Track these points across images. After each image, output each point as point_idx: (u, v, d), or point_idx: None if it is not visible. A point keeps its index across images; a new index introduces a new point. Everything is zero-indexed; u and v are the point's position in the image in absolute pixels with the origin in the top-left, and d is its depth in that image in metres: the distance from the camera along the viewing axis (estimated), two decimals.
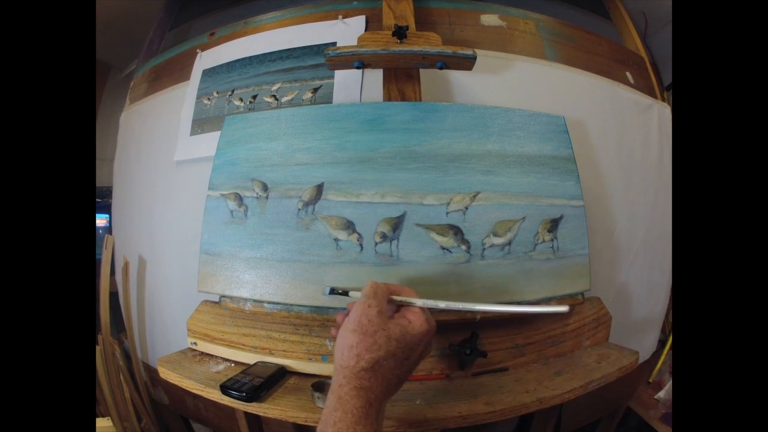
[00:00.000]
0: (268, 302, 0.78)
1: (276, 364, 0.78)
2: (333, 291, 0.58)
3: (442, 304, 0.48)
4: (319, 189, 0.78)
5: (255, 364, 0.79)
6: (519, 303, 0.62)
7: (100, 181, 1.34)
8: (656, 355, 1.19)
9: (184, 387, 0.77)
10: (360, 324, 0.44)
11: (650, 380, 1.16)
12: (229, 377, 0.73)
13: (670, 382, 1.14)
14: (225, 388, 0.70)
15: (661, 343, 1.21)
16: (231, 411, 0.88)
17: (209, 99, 1.08)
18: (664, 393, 1.12)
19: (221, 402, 0.71)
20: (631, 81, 1.13)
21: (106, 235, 1.26)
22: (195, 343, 0.87)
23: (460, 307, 0.49)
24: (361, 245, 0.76)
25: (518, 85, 0.98)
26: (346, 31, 1.00)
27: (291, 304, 0.77)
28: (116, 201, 1.31)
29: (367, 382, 0.43)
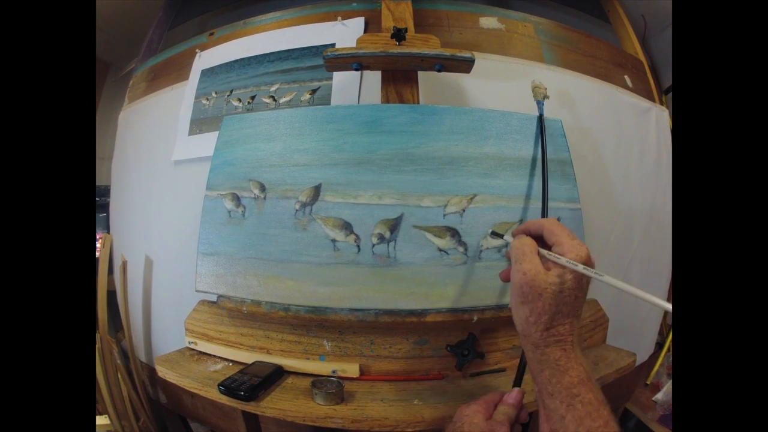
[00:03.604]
0: (266, 302, 0.78)
1: (274, 364, 0.78)
2: (493, 233, 0.65)
3: (580, 267, 0.46)
4: (317, 190, 0.78)
5: (253, 363, 0.79)
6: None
7: (98, 180, 1.35)
8: (654, 356, 1.19)
9: (182, 386, 0.77)
10: (523, 294, 0.46)
11: (648, 382, 1.17)
12: (227, 376, 0.73)
13: (668, 383, 1.14)
14: (223, 387, 0.70)
15: (659, 345, 1.22)
16: (229, 410, 0.89)
17: (208, 99, 1.08)
18: (662, 395, 1.13)
19: (219, 401, 0.72)
20: (630, 84, 1.14)
21: (103, 234, 1.26)
22: (194, 343, 0.87)
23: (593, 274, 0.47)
24: (358, 246, 0.76)
25: (516, 88, 0.98)
26: (345, 33, 1.00)
27: (288, 305, 0.77)
28: (114, 200, 1.31)
29: (554, 337, 0.45)
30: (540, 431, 0.46)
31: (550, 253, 0.48)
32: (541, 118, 0.83)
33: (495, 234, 0.64)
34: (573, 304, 0.46)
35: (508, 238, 0.56)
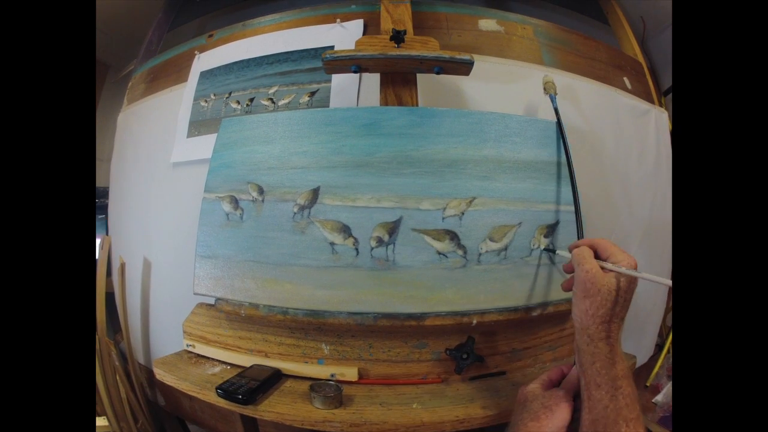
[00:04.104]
0: (264, 305, 0.78)
1: (272, 367, 0.78)
2: (546, 249, 0.78)
3: (633, 271, 0.53)
4: (315, 193, 0.78)
5: (251, 366, 0.79)
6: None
7: (97, 182, 1.34)
8: (653, 358, 1.19)
9: (180, 389, 0.77)
10: (586, 289, 0.53)
11: (647, 384, 1.16)
12: (225, 380, 0.73)
13: (668, 385, 1.14)
14: (221, 391, 0.70)
15: (659, 347, 1.22)
16: (227, 413, 0.88)
17: (206, 101, 1.08)
18: (662, 396, 1.12)
19: (217, 404, 0.71)
20: (629, 86, 1.14)
21: (102, 236, 1.26)
22: (192, 345, 0.87)
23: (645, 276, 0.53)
24: (356, 249, 0.76)
25: (515, 90, 0.98)
26: (344, 35, 1.00)
27: (287, 308, 0.77)
28: (113, 202, 1.31)
29: (607, 332, 0.52)
30: (581, 422, 0.51)
31: (606, 263, 0.55)
32: (557, 112, 0.85)
33: (548, 250, 0.78)
34: (623, 306, 0.53)
35: (561, 252, 0.69)
